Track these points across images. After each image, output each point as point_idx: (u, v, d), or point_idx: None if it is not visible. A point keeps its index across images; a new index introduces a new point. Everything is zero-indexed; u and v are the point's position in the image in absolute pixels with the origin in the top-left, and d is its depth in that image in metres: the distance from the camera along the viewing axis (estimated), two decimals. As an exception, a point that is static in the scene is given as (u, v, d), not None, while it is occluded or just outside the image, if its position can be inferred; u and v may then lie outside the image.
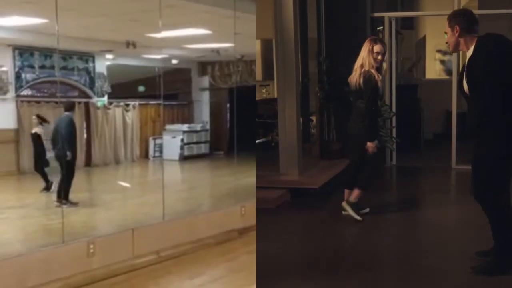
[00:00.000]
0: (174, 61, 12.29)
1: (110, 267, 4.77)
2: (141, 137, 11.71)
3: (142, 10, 6.58)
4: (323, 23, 8.54)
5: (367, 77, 5.12)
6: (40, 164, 7.55)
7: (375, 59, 5.14)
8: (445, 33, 3.86)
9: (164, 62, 12.26)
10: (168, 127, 12.11)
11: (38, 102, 9.81)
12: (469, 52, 3.76)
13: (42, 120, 7.64)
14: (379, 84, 5.18)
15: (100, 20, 7.20)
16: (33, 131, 7.64)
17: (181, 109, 12.97)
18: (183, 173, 11.16)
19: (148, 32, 7.98)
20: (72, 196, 6.76)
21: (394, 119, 7.96)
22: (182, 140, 12.01)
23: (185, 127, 12.23)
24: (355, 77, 5.20)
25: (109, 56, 10.68)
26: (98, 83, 10.78)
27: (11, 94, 9.54)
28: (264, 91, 10.44)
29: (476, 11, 6.63)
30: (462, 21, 3.77)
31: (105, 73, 10.95)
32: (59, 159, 6.84)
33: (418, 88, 10.37)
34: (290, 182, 6.77)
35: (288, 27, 6.81)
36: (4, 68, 9.43)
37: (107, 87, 10.84)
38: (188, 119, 12.88)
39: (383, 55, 5.22)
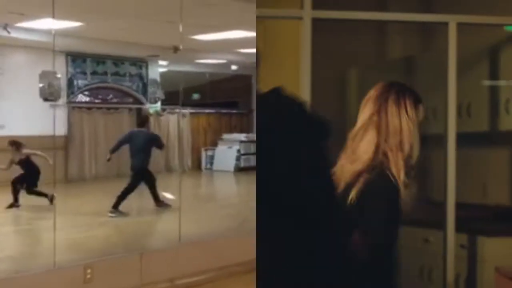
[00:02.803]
0: (234, 67, 11.81)
1: (111, 295, 4.24)
2: (193, 147, 11.31)
3: (180, 9, 6.05)
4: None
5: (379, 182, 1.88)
6: (31, 186, 6.88)
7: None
8: None
9: (222, 68, 11.82)
10: (225, 136, 11.63)
11: (89, 108, 9.63)
12: None
13: (17, 147, 6.88)
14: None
15: (135, 23, 6.78)
16: (17, 158, 6.84)
17: (240, 118, 12.44)
18: (235, 186, 10.58)
19: (192, 34, 7.49)
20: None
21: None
22: (238, 150, 11.48)
23: (242, 136, 11.70)
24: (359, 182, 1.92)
25: (162, 62, 10.36)
26: (150, 90, 10.47)
27: (63, 100, 9.40)
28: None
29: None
30: None
31: (158, 79, 10.62)
32: (137, 171, 6.81)
33: None
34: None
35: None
36: (57, 75, 9.31)
37: (160, 94, 10.50)
38: (247, 128, 12.32)
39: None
